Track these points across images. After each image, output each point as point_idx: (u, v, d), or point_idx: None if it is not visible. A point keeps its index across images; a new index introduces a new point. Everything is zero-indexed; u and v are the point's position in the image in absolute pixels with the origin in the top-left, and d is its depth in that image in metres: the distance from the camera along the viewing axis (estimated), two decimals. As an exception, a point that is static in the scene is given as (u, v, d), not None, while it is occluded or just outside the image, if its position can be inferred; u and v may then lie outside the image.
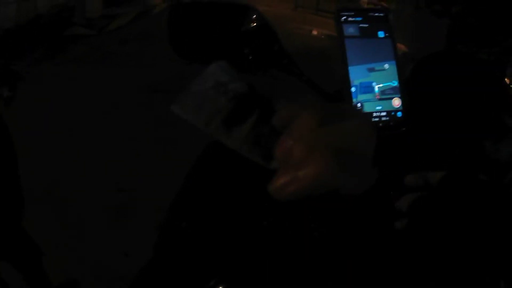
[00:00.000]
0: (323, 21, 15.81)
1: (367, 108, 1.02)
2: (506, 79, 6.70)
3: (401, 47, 8.82)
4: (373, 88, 1.03)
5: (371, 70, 1.04)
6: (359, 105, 1.00)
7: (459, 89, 1.21)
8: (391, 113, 1.03)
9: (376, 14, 1.08)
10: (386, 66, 1.05)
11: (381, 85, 1.04)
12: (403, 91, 1.05)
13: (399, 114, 1.03)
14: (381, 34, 1.08)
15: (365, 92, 1.02)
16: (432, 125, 1.15)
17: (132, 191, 4.20)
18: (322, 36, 12.50)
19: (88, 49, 8.63)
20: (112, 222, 3.89)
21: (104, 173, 4.38)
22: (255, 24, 1.23)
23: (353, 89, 1.01)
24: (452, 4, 8.04)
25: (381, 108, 1.03)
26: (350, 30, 1.05)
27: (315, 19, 15.35)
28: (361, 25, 1.05)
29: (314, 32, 12.66)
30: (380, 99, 1.03)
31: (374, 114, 1.02)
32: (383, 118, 1.02)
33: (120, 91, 6.45)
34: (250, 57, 1.19)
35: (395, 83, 1.05)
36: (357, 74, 1.02)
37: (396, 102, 1.04)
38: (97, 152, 4.75)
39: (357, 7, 1.21)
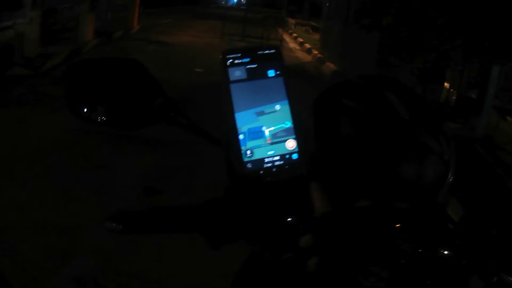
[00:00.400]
0: (248, 42, 16.11)
1: (258, 155, 0.96)
2: (445, 84, 6.36)
3: (331, 66, 8.52)
4: (263, 132, 0.98)
5: (260, 113, 0.98)
6: (248, 152, 0.95)
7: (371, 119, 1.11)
8: (285, 156, 0.97)
9: (266, 52, 1.00)
10: (278, 107, 0.99)
11: (272, 128, 0.98)
12: (298, 131, 0.99)
13: (294, 156, 0.98)
14: (271, 73, 1.00)
15: (254, 138, 0.97)
16: (343, 160, 1.11)
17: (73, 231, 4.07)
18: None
19: (27, 91, 8.91)
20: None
21: (44, 212, 4.26)
22: (137, 77, 1.23)
23: (241, 137, 0.96)
24: (383, 16, 7.68)
25: (274, 153, 0.97)
26: (236, 73, 0.97)
27: (241, 45, 15.54)
28: (248, 66, 0.98)
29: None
30: (272, 143, 0.97)
31: (266, 160, 0.96)
32: (277, 163, 0.97)
33: (55, 134, 6.45)
34: (132, 113, 1.19)
35: (289, 124, 0.99)
36: (244, 120, 0.97)
37: (290, 144, 0.98)
38: (35, 193, 4.63)
39: (245, 47, 1.04)
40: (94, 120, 1.13)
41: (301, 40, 21.09)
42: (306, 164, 0.99)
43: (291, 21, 27.91)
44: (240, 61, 0.97)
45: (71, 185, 4.77)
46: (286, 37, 21.60)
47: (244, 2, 65.59)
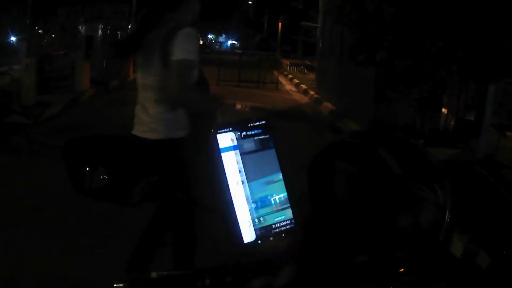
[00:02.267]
0: (246, 92, 16.23)
1: (267, 221, 1.05)
2: (443, 109, 6.47)
3: (328, 105, 8.69)
4: (270, 200, 1.07)
5: (269, 182, 1.07)
6: (260, 220, 1.04)
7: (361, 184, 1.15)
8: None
9: (256, 124, 1.08)
10: (270, 179, 1.07)
11: (278, 196, 1.07)
12: (292, 200, 1.09)
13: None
14: (264, 145, 1.09)
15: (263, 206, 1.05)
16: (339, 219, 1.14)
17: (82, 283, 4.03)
18: (246, 109, 12.70)
19: (26, 140, 9.00)
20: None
21: (52, 264, 4.21)
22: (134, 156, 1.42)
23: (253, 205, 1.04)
24: (377, 51, 7.89)
25: (282, 218, 1.07)
26: (228, 147, 1.04)
27: (238, 91, 15.72)
28: (240, 140, 1.05)
29: (238, 106, 12.86)
30: (278, 210, 1.07)
31: (274, 226, 1.05)
32: (284, 228, 1.06)
33: (58, 185, 6.38)
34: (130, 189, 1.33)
35: (284, 193, 1.09)
36: (255, 189, 1.04)
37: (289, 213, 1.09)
38: (43, 245, 4.60)
39: (235, 121, 1.05)
40: (96, 197, 1.22)
41: (297, 81, 21.32)
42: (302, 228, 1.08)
43: (286, 62, 28.30)
44: (231, 135, 1.03)
45: (78, 236, 4.79)
46: (282, 79, 21.86)
47: (238, 45, 66.52)
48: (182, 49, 2.82)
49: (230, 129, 1.04)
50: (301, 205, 1.09)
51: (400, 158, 1.10)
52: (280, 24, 48.34)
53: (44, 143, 8.74)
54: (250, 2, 59.36)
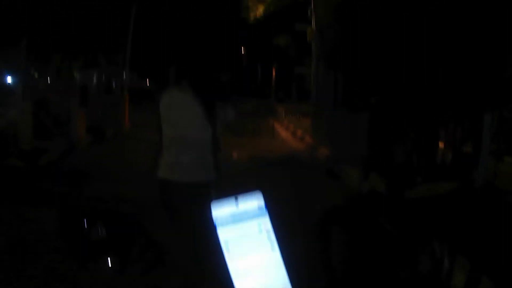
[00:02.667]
0: (242, 141, 16.30)
1: None
2: (440, 144, 6.54)
3: (325, 151, 8.78)
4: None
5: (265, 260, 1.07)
6: None
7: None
8: None
9: (250, 197, 1.06)
10: (268, 256, 1.06)
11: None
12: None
13: None
14: (258, 218, 1.08)
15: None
16: None
17: None
18: (243, 159, 12.84)
19: (24, 186, 8.91)
20: None
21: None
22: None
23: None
24: (371, 95, 8.07)
25: None
26: (224, 222, 1.05)
27: (234, 141, 15.81)
28: (235, 214, 1.05)
29: (234, 156, 12.92)
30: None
31: None
32: None
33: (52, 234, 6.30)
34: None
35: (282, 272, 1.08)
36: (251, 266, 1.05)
37: None
38: None
39: (230, 195, 1.06)
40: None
41: (292, 127, 21.46)
42: None
43: (281, 108, 28.57)
44: (225, 209, 1.05)
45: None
46: (278, 126, 22.02)
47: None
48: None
49: (225, 203, 1.05)
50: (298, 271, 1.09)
51: (396, 221, 1.12)
52: (274, 71, 48.96)
53: (43, 189, 8.76)
54: (243, 48, 60.29)
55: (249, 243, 1.04)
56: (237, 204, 1.04)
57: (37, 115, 12.51)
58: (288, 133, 20.64)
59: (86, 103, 14.91)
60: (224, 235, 1.03)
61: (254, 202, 1.06)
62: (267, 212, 1.06)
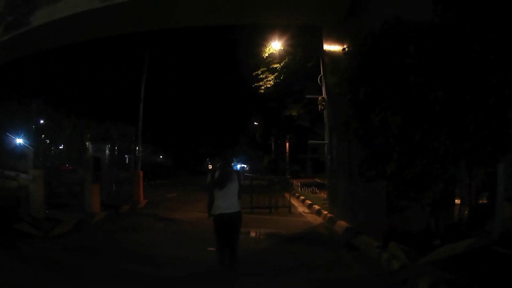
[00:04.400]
0: (259, 219, 16.34)
1: None
2: (456, 201, 6.64)
3: (342, 223, 8.99)
4: None
5: None
6: None
7: None
8: None
9: None
10: None
11: None
12: None
13: None
14: None
15: None
16: None
17: None
18: (261, 237, 12.82)
19: (37, 254, 9.19)
20: None
21: None
22: None
23: None
24: (386, 164, 8.24)
25: None
26: None
27: (251, 218, 15.89)
28: None
29: (252, 234, 13.02)
30: None
31: None
32: None
33: None
34: None
35: None
36: None
37: None
38: None
39: None
40: None
41: (309, 202, 21.47)
42: None
43: (296, 182, 28.61)
44: None
45: None
46: (294, 201, 22.01)
47: (247, 168, 67.44)
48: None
49: None
50: None
51: None
52: (287, 143, 49.33)
53: (56, 259, 8.93)
54: (256, 123, 61.05)
55: None
56: None
57: (49, 184, 12.73)
58: (305, 208, 20.62)
59: (99, 178, 15.13)
60: None
61: None
62: None
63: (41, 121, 16.31)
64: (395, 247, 9.06)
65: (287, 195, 22.05)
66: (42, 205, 11.76)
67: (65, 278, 7.73)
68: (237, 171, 8.50)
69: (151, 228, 13.72)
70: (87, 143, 16.37)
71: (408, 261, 8.48)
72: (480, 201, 9.37)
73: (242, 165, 74.15)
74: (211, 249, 10.43)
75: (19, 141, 16.48)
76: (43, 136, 15.43)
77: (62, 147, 15.51)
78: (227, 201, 7.97)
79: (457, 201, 9.54)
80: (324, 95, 18.85)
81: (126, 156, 20.32)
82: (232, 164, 9.22)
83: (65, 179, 13.91)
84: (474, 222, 9.04)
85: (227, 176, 8.04)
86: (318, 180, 26.72)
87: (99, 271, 8.35)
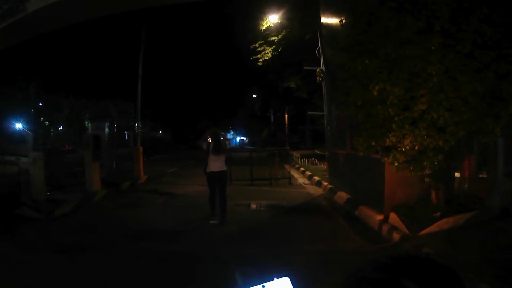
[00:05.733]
0: (260, 190, 16.35)
1: None
2: (456, 174, 6.50)
3: (343, 194, 8.88)
4: None
5: None
6: None
7: None
8: None
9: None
10: None
11: None
12: None
13: None
14: None
15: None
16: None
17: None
18: (261, 208, 12.84)
19: (40, 237, 9.20)
20: None
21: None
22: None
23: None
24: (385, 135, 8.02)
25: None
26: None
27: (252, 190, 15.90)
28: None
29: (253, 206, 13.04)
30: None
31: None
32: None
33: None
34: None
35: None
36: None
37: None
38: None
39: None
40: None
41: (309, 173, 21.49)
42: None
43: (296, 154, 28.58)
44: None
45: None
46: (294, 173, 22.04)
47: (247, 141, 67.51)
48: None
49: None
50: None
51: (425, 284, 1.11)
52: (286, 115, 49.16)
53: (56, 241, 8.94)
54: (254, 96, 60.84)
55: None
56: None
57: (50, 165, 12.66)
58: (305, 179, 20.64)
59: (99, 156, 15.06)
60: None
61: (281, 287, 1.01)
62: None
63: (40, 104, 16.15)
64: (396, 218, 9.04)
65: (287, 166, 22.04)
66: (42, 187, 11.72)
67: (68, 260, 7.70)
68: (224, 141, 11.59)
69: (152, 203, 13.77)
70: (86, 123, 16.22)
71: (409, 233, 8.48)
72: (480, 175, 9.32)
73: (242, 138, 74.11)
74: (212, 222, 10.57)
75: (19, 125, 16.38)
76: (42, 118, 15.31)
77: (61, 128, 15.36)
78: (218, 163, 10.94)
79: (457, 175, 9.49)
80: (322, 66, 18.73)
81: (125, 132, 20.23)
82: (221, 137, 11.51)
83: (66, 159, 13.84)
84: (474, 196, 8.99)
85: (220, 146, 11.02)
86: (318, 152, 26.69)
87: (103, 250, 8.33)
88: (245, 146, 49.37)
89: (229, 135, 73.83)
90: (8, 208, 10.54)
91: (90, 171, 13.85)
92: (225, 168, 11.01)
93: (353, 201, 12.53)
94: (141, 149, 20.75)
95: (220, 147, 10.94)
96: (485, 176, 9.13)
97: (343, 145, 15.10)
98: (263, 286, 0.98)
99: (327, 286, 5.62)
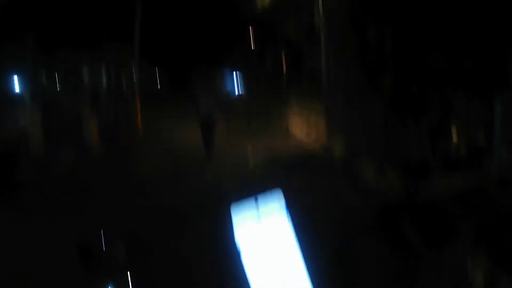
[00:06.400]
0: (256, 141, 16.26)
1: None
2: (453, 137, 6.46)
3: (339, 146, 8.75)
4: None
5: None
6: None
7: None
8: None
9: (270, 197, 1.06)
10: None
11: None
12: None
13: None
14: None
15: None
16: None
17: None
18: (258, 161, 12.84)
19: (35, 197, 9.20)
20: None
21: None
22: None
23: None
24: (382, 79, 7.93)
25: None
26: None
27: (248, 141, 15.84)
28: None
29: (249, 160, 13.00)
30: None
31: None
32: None
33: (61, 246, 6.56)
34: None
35: None
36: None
37: None
38: None
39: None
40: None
41: (306, 125, 21.37)
42: None
43: (294, 103, 28.30)
44: (245, 209, 1.03)
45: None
46: (291, 124, 21.94)
47: (246, 94, 67.21)
48: None
49: (245, 204, 1.08)
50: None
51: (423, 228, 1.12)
52: (284, 64, 48.56)
53: (54, 200, 9.01)
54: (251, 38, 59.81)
55: (268, 243, 1.06)
56: (257, 205, 1.07)
57: (47, 122, 12.46)
58: (302, 131, 20.54)
59: (98, 109, 14.88)
60: (243, 235, 1.05)
61: (274, 202, 1.08)
62: (287, 211, 1.09)
63: (36, 62, 15.76)
64: (392, 176, 8.99)
65: (283, 118, 21.96)
66: (41, 146, 11.68)
67: (66, 216, 7.69)
68: None
69: (152, 158, 13.63)
70: (84, 72, 15.97)
71: (405, 193, 8.42)
72: (478, 141, 9.21)
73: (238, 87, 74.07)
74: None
75: (16, 84, 16.09)
76: (38, 76, 15.01)
77: (59, 84, 15.15)
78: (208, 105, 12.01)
79: (455, 139, 9.39)
80: (320, 14, 18.38)
81: (124, 85, 20.00)
82: None
83: (64, 115, 13.64)
84: (471, 160, 8.93)
85: None
86: (316, 103, 26.40)
87: (99, 206, 8.41)
88: (242, 96, 49.22)
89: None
90: (5, 172, 10.29)
91: (88, 126, 13.79)
92: None
93: (350, 152, 12.43)
94: (139, 102, 20.48)
95: None
96: (482, 141, 9.02)
97: (341, 96, 14.93)
98: (256, 198, 1.02)
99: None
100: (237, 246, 0.83)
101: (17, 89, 15.31)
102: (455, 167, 8.71)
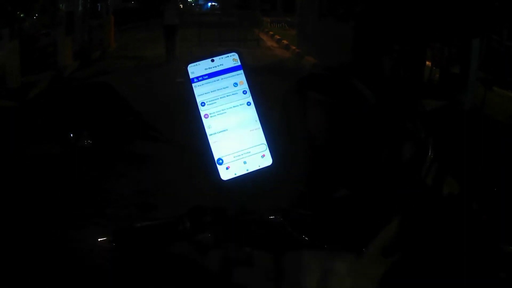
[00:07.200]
0: (225, 46, 16.26)
1: (243, 157, 1.06)
2: (427, 62, 6.64)
3: (310, 59, 9.00)
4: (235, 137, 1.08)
5: (228, 116, 1.08)
6: (236, 156, 1.05)
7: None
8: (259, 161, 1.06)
9: (227, 56, 1.08)
10: (244, 109, 1.08)
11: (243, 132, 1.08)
12: (268, 134, 1.07)
13: (267, 160, 1.05)
14: (235, 78, 1.08)
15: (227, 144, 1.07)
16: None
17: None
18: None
19: (15, 122, 8.58)
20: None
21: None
22: (108, 100, 1.32)
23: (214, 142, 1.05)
24: (355, 5, 8.22)
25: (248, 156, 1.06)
26: (199, 81, 1.07)
27: (219, 50, 15.72)
28: (211, 73, 1.07)
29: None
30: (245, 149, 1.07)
31: (250, 162, 1.06)
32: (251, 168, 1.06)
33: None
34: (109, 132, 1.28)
35: (258, 126, 1.07)
36: (215, 124, 1.06)
37: (263, 148, 1.07)
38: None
39: (205, 55, 1.16)
40: (80, 145, 1.23)
41: (278, 37, 21.31)
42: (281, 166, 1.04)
43: (266, 19, 28.12)
44: (202, 68, 1.07)
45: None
46: (263, 36, 21.82)
47: (218, 6, 65.61)
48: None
49: (200, 63, 1.06)
50: (276, 140, 1.05)
51: (376, 88, 1.11)
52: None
53: (33, 123, 8.75)
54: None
55: (224, 98, 1.05)
56: (213, 63, 1.06)
57: (24, 52, 12.19)
58: (274, 43, 20.52)
59: (72, 30, 14.66)
60: (200, 91, 1.05)
61: (230, 60, 1.07)
62: (243, 68, 1.07)
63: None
64: (361, 87, 9.02)
65: (256, 30, 21.76)
66: (17, 74, 11.33)
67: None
68: None
69: (121, 68, 13.85)
70: (61, 5, 15.57)
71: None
72: (452, 71, 9.10)
73: (213, 3, 71.87)
74: (180, 80, 10.51)
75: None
76: (18, 12, 14.44)
77: (36, 17, 14.67)
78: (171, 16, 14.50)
79: (429, 64, 9.38)
80: None
81: (98, 4, 19.60)
82: None
83: (40, 44, 13.37)
84: (444, 88, 8.88)
85: None
86: (289, 19, 26.26)
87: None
88: (215, 11, 48.04)
89: (200, 1, 71.66)
90: None
91: (62, 47, 13.54)
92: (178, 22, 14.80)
93: (320, 66, 12.57)
94: (112, 18, 20.12)
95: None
96: (457, 72, 8.93)
97: (313, 11, 14.88)
98: (213, 60, 1.04)
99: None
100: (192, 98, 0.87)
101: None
102: (427, 94, 8.73)
